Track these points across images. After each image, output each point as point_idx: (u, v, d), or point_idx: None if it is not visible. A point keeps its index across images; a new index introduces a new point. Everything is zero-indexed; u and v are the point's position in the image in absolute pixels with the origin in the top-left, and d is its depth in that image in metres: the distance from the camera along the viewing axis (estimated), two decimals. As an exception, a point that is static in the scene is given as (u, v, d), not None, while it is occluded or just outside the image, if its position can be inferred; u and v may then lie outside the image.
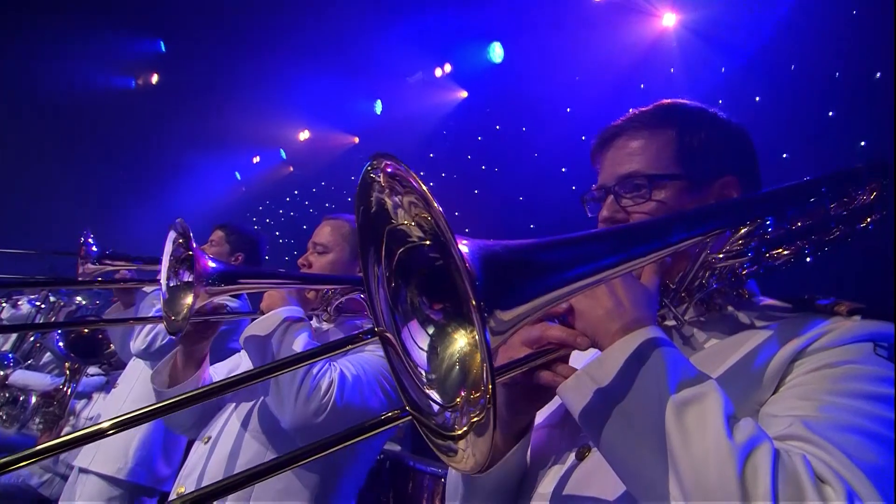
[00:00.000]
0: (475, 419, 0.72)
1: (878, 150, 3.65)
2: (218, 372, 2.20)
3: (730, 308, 1.11)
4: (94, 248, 2.63)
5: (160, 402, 0.98)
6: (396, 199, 0.80)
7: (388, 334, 0.88)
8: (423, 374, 0.83)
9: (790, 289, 1.18)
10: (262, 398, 1.93)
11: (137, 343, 2.68)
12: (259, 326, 1.77)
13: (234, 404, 2.00)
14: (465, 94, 6.65)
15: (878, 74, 3.80)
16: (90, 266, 2.62)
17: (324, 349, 1.09)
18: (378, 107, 7.30)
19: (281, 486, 1.77)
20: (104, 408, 3.03)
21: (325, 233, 2.18)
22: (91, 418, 3.41)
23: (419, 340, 0.85)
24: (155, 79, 9.01)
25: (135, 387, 3.00)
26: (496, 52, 6.07)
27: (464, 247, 0.70)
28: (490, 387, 0.67)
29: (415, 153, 6.90)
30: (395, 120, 7.03)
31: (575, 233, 0.87)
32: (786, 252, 1.10)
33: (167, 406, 0.99)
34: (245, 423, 1.91)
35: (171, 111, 8.17)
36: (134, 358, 3.10)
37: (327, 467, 1.84)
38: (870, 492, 0.76)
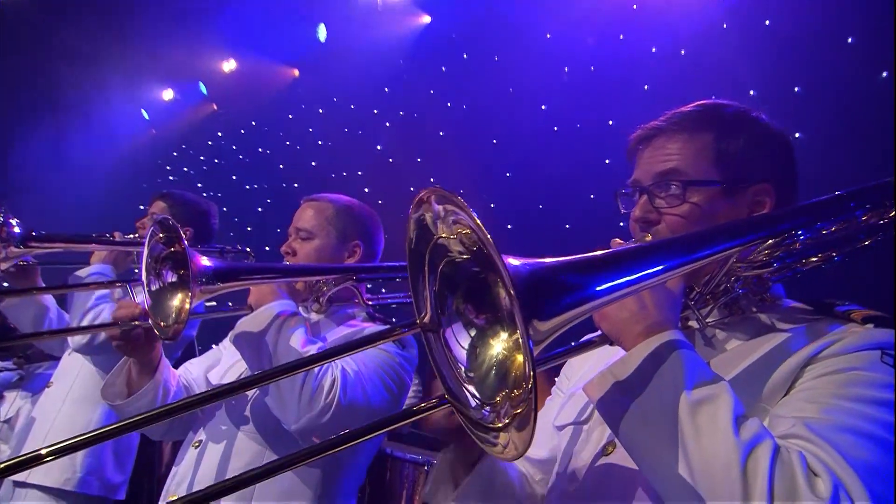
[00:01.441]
0: (518, 412, 0.92)
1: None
2: (195, 368, 2.28)
3: (753, 310, 1.33)
4: (17, 230, 2.59)
5: (146, 412, 1.09)
6: (442, 218, 1.00)
7: (428, 324, 1.08)
8: (463, 369, 1.04)
9: (818, 289, 1.37)
10: (254, 395, 2.01)
11: (77, 337, 2.65)
12: (251, 323, 1.85)
13: (223, 403, 2.08)
14: (427, 18, 6.56)
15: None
16: (13, 249, 2.61)
17: (357, 343, 1.25)
18: (322, 32, 7.11)
19: (283, 485, 1.89)
20: (39, 411, 3.01)
21: (307, 217, 2.26)
22: (6, 420, 3.36)
23: (461, 339, 1.05)
24: (27, -11, 8.45)
25: (75, 385, 3.00)
26: (464, -35, 5.96)
27: (511, 264, 0.90)
28: (532, 384, 0.87)
29: (367, 88, 6.80)
30: (342, 48, 6.88)
31: (607, 251, 1.08)
32: (814, 259, 1.32)
33: (148, 417, 1.11)
34: (238, 423, 2.00)
35: (50, 32, 7.71)
36: (69, 353, 3.10)
37: (330, 464, 1.97)
38: (857, 486, 0.95)
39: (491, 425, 0.97)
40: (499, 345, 1.01)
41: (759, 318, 1.31)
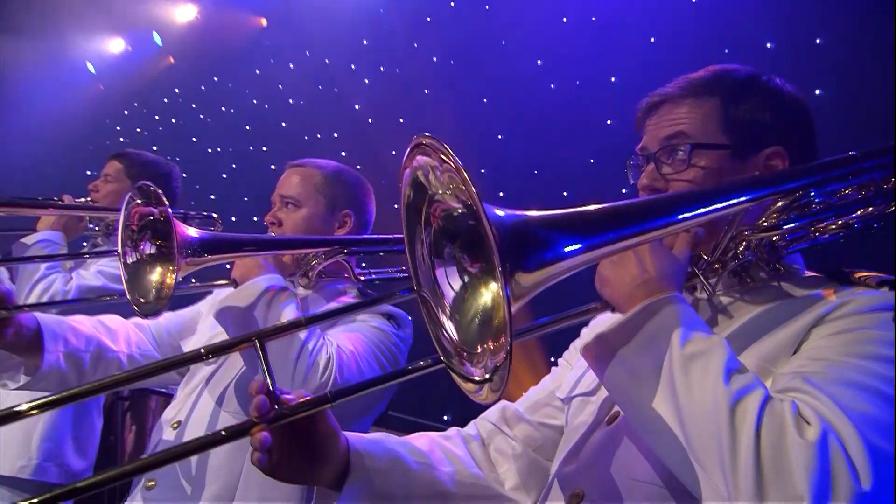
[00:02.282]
0: (497, 365, 1.03)
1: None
2: (167, 318, 2.32)
3: (763, 277, 1.41)
4: None
5: (142, 366, 1.23)
6: (434, 169, 1.10)
7: (425, 294, 1.20)
8: (447, 306, 1.17)
9: (839, 261, 1.42)
10: (239, 371, 2.06)
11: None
12: (237, 298, 1.90)
13: (205, 380, 2.13)
14: (409, -41, 6.48)
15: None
16: None
17: (351, 308, 1.46)
18: (292, -24, 7.03)
19: (267, 480, 1.91)
20: None
21: (293, 183, 2.29)
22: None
23: (452, 282, 1.17)
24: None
25: None
26: None
27: (495, 214, 1.00)
28: (510, 330, 0.96)
29: (343, 40, 6.74)
30: (315, -6, 6.81)
31: (598, 205, 1.16)
32: (833, 227, 1.38)
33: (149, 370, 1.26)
34: (221, 402, 2.04)
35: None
36: None
37: None
38: (851, 434, 1.00)
39: (468, 375, 1.09)
40: (488, 293, 1.12)
41: (770, 285, 1.39)
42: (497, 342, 1.05)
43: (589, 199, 1.26)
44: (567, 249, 1.07)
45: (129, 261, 1.84)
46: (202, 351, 1.29)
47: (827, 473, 0.96)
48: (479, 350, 1.10)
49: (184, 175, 3.64)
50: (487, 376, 1.05)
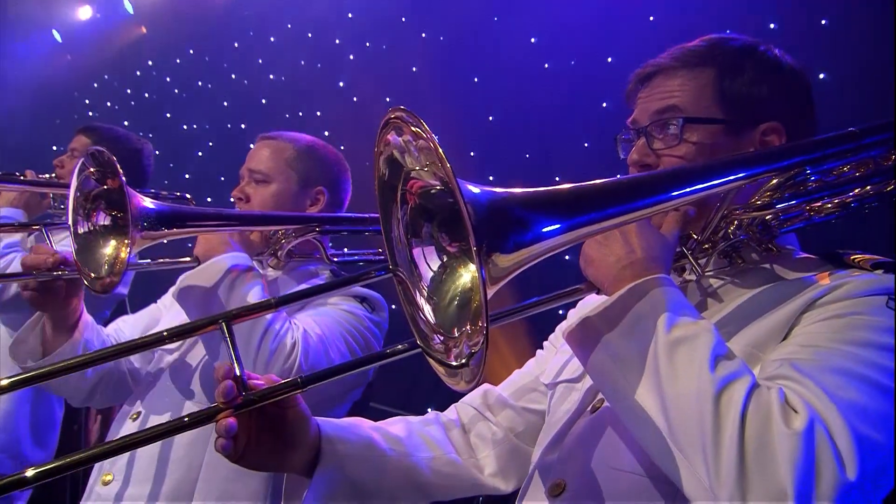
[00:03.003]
0: (474, 349, 1.04)
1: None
2: (129, 326, 2.32)
3: (755, 257, 1.42)
4: None
5: (63, 362, 1.23)
6: (408, 144, 1.10)
7: (401, 274, 1.21)
8: (425, 288, 1.18)
9: (837, 242, 1.43)
10: (202, 360, 2.05)
11: None
12: (199, 277, 1.87)
13: (165, 372, 2.12)
14: (398, -72, 6.42)
15: None
16: None
17: (322, 288, 1.50)
18: (273, -58, 6.96)
19: (229, 472, 1.89)
20: None
21: (263, 157, 2.27)
22: None
23: (430, 261, 1.18)
24: None
25: None
26: None
27: (471, 192, 1.00)
28: (486, 324, 0.96)
29: (327, 13, 6.69)
30: (298, -36, 6.74)
31: (581, 183, 1.17)
32: (829, 206, 1.39)
33: (58, 369, 1.26)
34: (185, 392, 2.03)
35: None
36: None
37: None
38: (838, 423, 1.01)
39: (445, 359, 1.10)
40: (466, 274, 1.13)
41: (762, 267, 1.40)
42: (475, 326, 1.06)
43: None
44: (548, 229, 1.07)
45: (81, 231, 1.79)
46: (164, 333, 1.28)
47: (811, 464, 0.97)
48: (457, 334, 1.10)
49: (157, 153, 3.61)
50: (464, 361, 1.05)
